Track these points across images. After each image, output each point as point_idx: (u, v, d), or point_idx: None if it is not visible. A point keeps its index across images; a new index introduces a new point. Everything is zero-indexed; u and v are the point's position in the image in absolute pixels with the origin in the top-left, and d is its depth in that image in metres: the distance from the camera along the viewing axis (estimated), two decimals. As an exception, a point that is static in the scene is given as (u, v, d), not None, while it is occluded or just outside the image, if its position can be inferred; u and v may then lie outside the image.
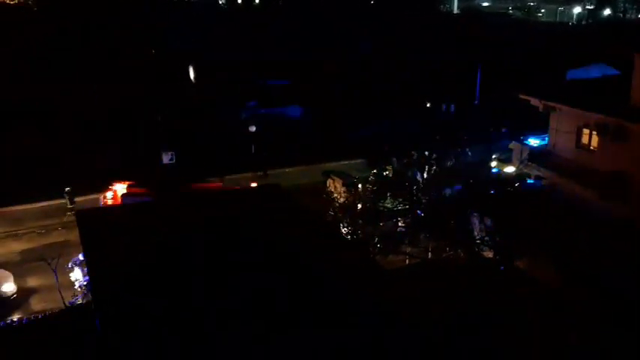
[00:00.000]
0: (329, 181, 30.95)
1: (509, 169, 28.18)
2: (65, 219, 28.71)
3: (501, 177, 26.63)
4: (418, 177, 24.52)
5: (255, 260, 14.19)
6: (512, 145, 29.61)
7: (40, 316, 21.53)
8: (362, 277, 14.03)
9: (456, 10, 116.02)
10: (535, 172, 26.21)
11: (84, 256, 17.44)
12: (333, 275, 13.67)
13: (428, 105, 47.99)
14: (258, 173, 35.02)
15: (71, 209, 29.02)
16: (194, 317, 12.15)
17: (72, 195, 30.14)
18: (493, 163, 31.17)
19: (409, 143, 28.09)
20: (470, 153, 28.07)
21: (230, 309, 12.40)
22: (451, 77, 50.88)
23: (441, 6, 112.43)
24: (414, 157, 25.46)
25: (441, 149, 26.23)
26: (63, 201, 30.56)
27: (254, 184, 30.22)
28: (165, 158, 36.00)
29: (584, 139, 25.09)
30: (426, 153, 25.39)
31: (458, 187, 23.52)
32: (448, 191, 23.54)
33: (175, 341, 11.48)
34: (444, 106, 47.66)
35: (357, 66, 53.88)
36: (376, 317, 12.21)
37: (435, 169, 25.03)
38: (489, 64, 50.86)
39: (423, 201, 23.10)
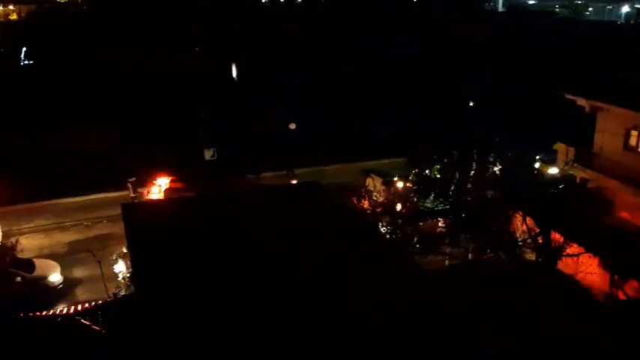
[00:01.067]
0: (368, 180, 30.88)
1: (553, 171, 27.58)
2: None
3: (545, 178, 26.07)
4: (460, 177, 24.22)
5: (292, 257, 14.28)
6: (557, 145, 28.97)
7: (85, 306, 22.17)
8: (400, 277, 13.97)
9: (500, 9, 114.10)
10: (581, 174, 25.61)
11: (128, 248, 17.88)
12: (369, 274, 13.65)
13: (471, 104, 47.35)
14: (285, 172, 34.91)
15: (133, 198, 29.77)
16: (232, 310, 12.30)
17: (135, 185, 30.81)
18: (537, 164, 30.57)
19: (451, 142, 27.76)
20: (512, 153, 27.59)
21: (267, 305, 12.51)
22: (495, 77, 50.10)
23: (486, 4, 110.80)
24: (456, 156, 25.17)
25: (482, 149, 25.87)
26: (107, 195, 31.38)
27: (294, 182, 30.36)
28: (208, 154, 36.48)
29: (632, 141, 24.38)
30: (468, 152, 25.07)
31: (500, 187, 23.16)
32: (490, 192, 23.19)
33: (214, 333, 11.65)
34: (486, 106, 46.92)
35: (401, 65, 53.53)
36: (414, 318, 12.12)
37: (476, 169, 24.69)
38: (534, 64, 49.88)
39: (465, 201, 22.82)
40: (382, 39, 59.22)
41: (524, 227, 21.71)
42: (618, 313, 12.68)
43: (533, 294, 13.28)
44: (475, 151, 25.13)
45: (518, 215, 21.94)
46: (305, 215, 16.88)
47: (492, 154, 25.52)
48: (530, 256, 21.40)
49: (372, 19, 64.74)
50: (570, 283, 18.63)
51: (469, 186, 23.73)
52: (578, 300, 13.22)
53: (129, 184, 31.00)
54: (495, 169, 24.86)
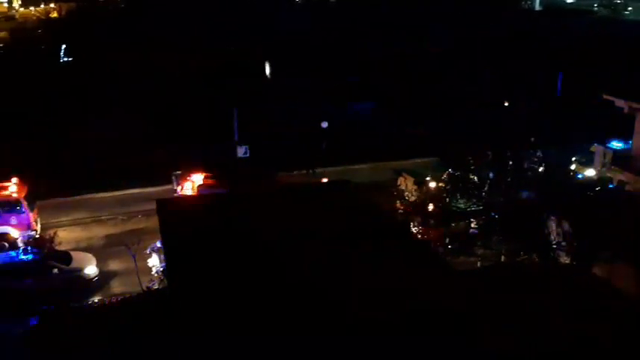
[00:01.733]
0: (400, 179, 30.74)
1: (590, 173, 27.08)
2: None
3: (581, 180, 25.62)
4: (493, 177, 23.96)
5: (321, 255, 14.34)
6: (594, 147, 28.41)
7: (119, 299, 22.65)
8: (432, 277, 13.91)
9: (537, 7, 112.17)
10: (618, 177, 25.08)
11: (161, 243, 18.19)
12: (398, 273, 13.63)
13: (506, 104, 46.68)
14: (309, 171, 34.89)
15: (176, 192, 30.17)
16: (265, 305, 12.43)
17: (179, 179, 31.15)
18: (573, 166, 30.04)
19: (484, 142, 27.46)
20: (547, 154, 27.18)
21: (297, 302, 12.60)
22: (531, 76, 49.30)
23: (522, 2, 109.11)
24: (489, 156, 24.90)
25: (517, 149, 25.54)
26: (143, 190, 31.94)
27: (324, 180, 30.43)
28: (240, 152, 36.82)
29: (674, 144, 23.78)
30: (502, 153, 24.78)
31: (535, 188, 22.84)
32: (525, 193, 22.88)
33: (247, 328, 11.79)
34: (523, 107, 46.18)
35: (436, 63, 53.08)
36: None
37: (511, 170, 24.39)
38: (573, 64, 48.92)
39: (498, 202, 22.57)
40: (417, 37, 58.84)
41: (559, 230, 21.37)
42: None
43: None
44: (510, 151, 24.80)
45: (553, 218, 21.61)
46: (335, 213, 16.93)
47: (527, 155, 25.18)
48: (565, 259, 21.05)
49: (407, 17, 64.40)
50: (604, 286, 18.27)
51: (503, 187, 23.46)
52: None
53: (173, 177, 31.09)
54: (530, 170, 24.51)
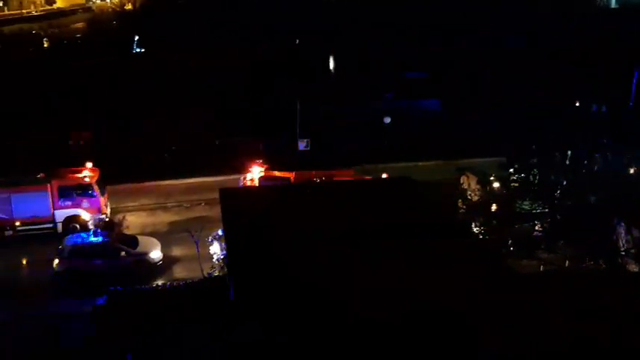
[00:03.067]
0: (463, 178, 30.13)
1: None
2: None
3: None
4: (561, 179, 23.19)
5: (378, 250, 14.31)
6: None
7: (181, 283, 23.36)
8: (493, 279, 13.66)
9: (613, 5, 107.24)
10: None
11: (223, 231, 18.63)
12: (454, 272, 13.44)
13: (577, 104, 44.97)
14: (356, 168, 34.45)
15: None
16: (324, 295, 12.53)
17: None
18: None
19: (552, 143, 26.56)
20: (618, 156, 26.02)
21: (352, 297, 12.64)
22: (605, 76, 47.22)
23: (598, 0, 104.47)
24: (557, 158, 24.10)
25: (587, 151, 24.60)
26: (207, 179, 32.73)
27: (385, 175, 30.27)
28: (301, 145, 37.13)
29: None
30: (570, 154, 23.94)
31: (601, 193, 21.96)
32: (593, 197, 22.05)
33: (306, 317, 11.93)
34: (594, 107, 44.39)
35: (507, 61, 51.60)
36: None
37: (580, 172, 23.53)
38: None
39: (565, 205, 21.85)
40: (491, 35, 57.34)
41: (629, 236, 20.50)
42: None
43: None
44: (579, 152, 23.92)
45: (622, 223, 20.75)
46: (393, 210, 16.87)
47: (598, 156, 24.21)
48: (634, 267, 20.19)
49: (480, 15, 62.92)
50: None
51: (570, 189, 22.69)
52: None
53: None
54: (600, 172, 23.57)
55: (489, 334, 11.31)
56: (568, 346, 11.13)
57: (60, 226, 27.98)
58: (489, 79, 48.06)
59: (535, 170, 24.09)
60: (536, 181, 23.63)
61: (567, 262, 21.88)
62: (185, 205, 31.20)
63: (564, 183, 23.00)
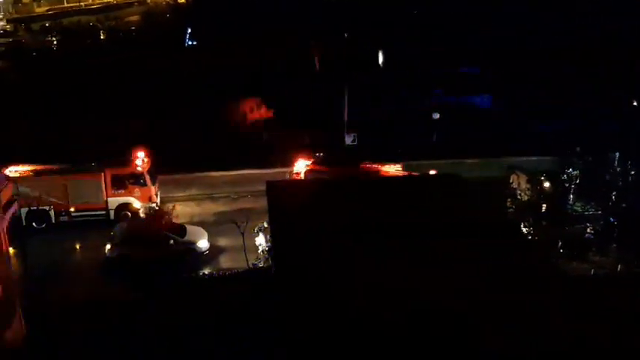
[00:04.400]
0: (513, 177, 29.53)
1: None
2: None
3: None
4: (615, 181, 22.46)
5: (424, 247, 14.18)
6: None
7: (227, 273, 23.75)
8: (542, 281, 13.35)
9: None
10: None
11: (269, 223, 18.81)
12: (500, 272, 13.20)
13: (635, 104, 43.31)
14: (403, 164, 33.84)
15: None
16: (364, 290, 12.51)
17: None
18: None
19: (607, 143, 25.74)
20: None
21: (396, 294, 12.57)
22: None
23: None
24: (613, 157, 23.34)
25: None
26: (255, 171, 33.10)
27: (433, 172, 29.90)
28: (348, 139, 37.04)
29: None
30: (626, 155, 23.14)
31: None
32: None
33: (347, 310, 11.93)
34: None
35: (551, 56, 50.14)
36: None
37: (634, 174, 22.74)
38: None
39: (619, 207, 21.15)
40: (538, 31, 55.81)
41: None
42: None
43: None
44: (634, 153, 23.11)
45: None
46: (441, 207, 16.66)
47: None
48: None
49: (527, 14, 61.35)
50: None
51: (625, 192, 21.95)
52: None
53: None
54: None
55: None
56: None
57: (112, 214, 28.82)
58: (541, 77, 46.84)
59: (587, 170, 23.42)
60: (588, 181, 22.96)
61: (619, 265, 21.18)
62: (232, 196, 31.61)
63: (619, 184, 22.26)
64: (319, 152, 32.41)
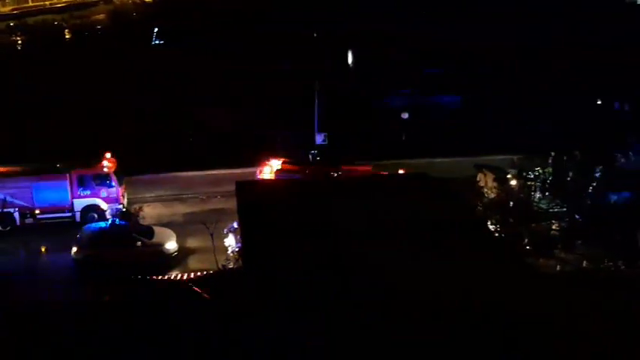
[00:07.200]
0: (480, 175, 29.90)
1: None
2: None
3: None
4: (580, 178, 22.93)
5: (391, 243, 14.27)
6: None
7: (196, 275, 23.50)
8: (513, 277, 13.54)
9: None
10: None
11: (238, 224, 18.69)
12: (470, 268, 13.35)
13: (598, 102, 44.28)
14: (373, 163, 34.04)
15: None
16: (331, 292, 12.53)
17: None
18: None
19: (572, 142, 26.26)
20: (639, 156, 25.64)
21: (362, 289, 12.61)
22: (630, 73, 46.40)
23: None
24: (577, 157, 23.82)
25: (607, 150, 24.29)
26: (224, 171, 32.85)
27: (401, 171, 30.10)
28: (319, 139, 37.01)
29: None
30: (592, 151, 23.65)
31: (625, 193, 21.65)
32: (614, 197, 21.75)
33: (317, 308, 11.94)
34: (616, 104, 43.71)
35: (524, 56, 50.94)
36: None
37: (600, 172, 23.23)
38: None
39: (584, 205, 21.59)
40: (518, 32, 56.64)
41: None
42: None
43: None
44: (599, 150, 23.63)
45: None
46: (409, 205, 16.78)
47: (618, 156, 23.89)
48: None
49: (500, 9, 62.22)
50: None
51: (590, 189, 22.41)
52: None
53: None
54: (621, 172, 23.26)
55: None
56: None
57: (78, 215, 28.30)
58: (509, 76, 47.56)
59: (552, 169, 23.87)
60: (553, 179, 23.40)
61: (585, 262, 21.62)
62: (201, 197, 31.32)
63: (584, 182, 22.73)
64: (288, 152, 32.33)
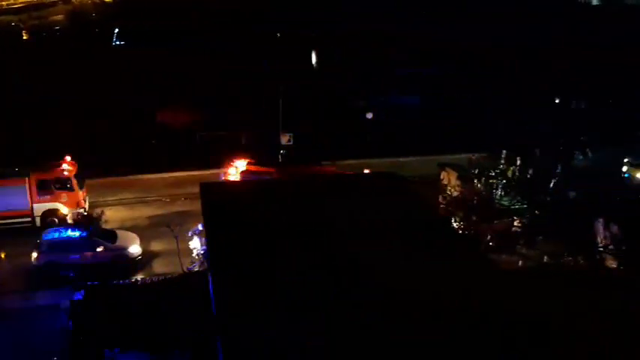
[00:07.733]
0: (443, 173, 30.30)
1: (642, 176, 26.15)
2: None
3: (633, 182, 24.79)
4: (540, 175, 23.44)
5: (358, 245, 14.32)
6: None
7: (160, 278, 23.13)
8: (477, 274, 13.73)
9: (595, 2, 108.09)
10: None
11: (204, 226, 18.48)
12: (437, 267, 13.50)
13: (557, 101, 45.39)
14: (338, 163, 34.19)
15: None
16: (302, 291, 12.50)
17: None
18: (624, 168, 29.06)
19: (533, 140, 26.81)
20: (597, 155, 26.37)
21: (333, 289, 12.64)
22: (583, 73, 47.68)
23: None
24: (537, 155, 24.35)
25: (566, 149, 24.90)
26: (189, 173, 32.52)
27: (367, 171, 30.27)
28: (284, 139, 36.96)
29: None
30: (550, 150, 24.22)
31: (583, 189, 22.23)
32: (572, 193, 22.31)
33: (285, 312, 11.90)
34: (573, 103, 44.88)
35: (493, 58, 51.81)
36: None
37: (559, 169, 23.80)
38: (623, 64, 47.08)
39: (544, 201, 22.08)
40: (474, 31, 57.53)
41: (607, 233, 20.76)
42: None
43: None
44: (558, 149, 24.22)
45: (600, 219, 21.01)
46: (376, 204, 16.88)
47: (577, 154, 24.53)
48: (611, 263, 20.45)
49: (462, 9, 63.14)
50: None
51: (549, 186, 22.93)
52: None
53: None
54: (579, 169, 23.89)
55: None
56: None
57: (38, 220, 27.60)
58: (472, 76, 48.33)
59: (514, 166, 24.34)
60: (515, 176, 23.85)
61: (546, 257, 22.11)
62: (165, 199, 30.94)
63: (543, 179, 23.25)
64: (252, 153, 32.20)
